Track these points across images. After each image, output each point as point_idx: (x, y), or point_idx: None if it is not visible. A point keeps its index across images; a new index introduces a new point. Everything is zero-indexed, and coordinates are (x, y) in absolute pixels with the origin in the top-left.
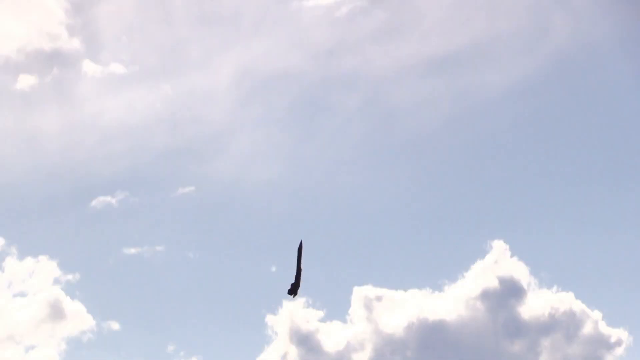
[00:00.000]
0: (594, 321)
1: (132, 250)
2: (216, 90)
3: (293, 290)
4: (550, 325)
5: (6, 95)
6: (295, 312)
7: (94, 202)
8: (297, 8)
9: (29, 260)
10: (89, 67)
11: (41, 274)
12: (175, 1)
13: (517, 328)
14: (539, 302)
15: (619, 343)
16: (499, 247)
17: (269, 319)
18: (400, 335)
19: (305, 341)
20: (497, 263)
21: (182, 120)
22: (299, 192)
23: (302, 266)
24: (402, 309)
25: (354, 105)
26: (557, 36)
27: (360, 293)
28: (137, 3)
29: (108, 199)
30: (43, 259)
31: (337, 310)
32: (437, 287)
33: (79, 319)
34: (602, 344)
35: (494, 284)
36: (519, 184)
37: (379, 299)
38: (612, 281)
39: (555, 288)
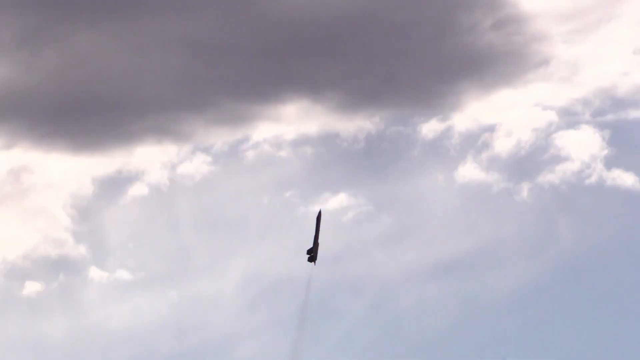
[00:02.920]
0: None
1: None
2: (222, 295)
3: (312, 258)
4: None
5: (12, 302)
6: None
7: None
8: (303, 214)
9: None
10: (95, 273)
11: None
12: (181, 208)
13: None
14: None
15: None
16: None
17: None
18: None
19: None
20: None
21: (188, 325)
22: None
23: None
24: None
25: (360, 310)
26: (563, 240)
27: None
28: (143, 210)
29: None
30: None
31: None
32: None
33: None
34: None
35: None
36: None
37: None
38: None
39: None
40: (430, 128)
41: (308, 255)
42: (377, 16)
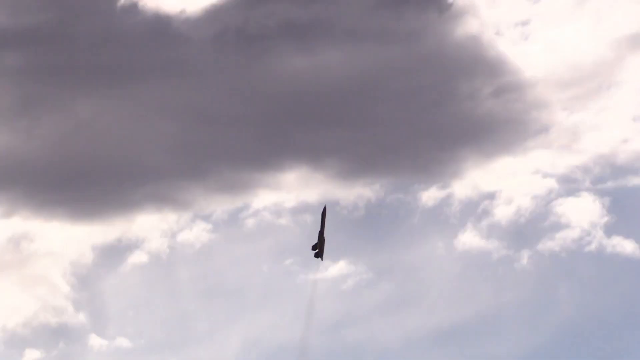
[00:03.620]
0: None
1: None
2: None
3: (318, 254)
4: None
5: None
6: None
7: None
8: (302, 281)
9: None
10: (95, 341)
11: None
12: (181, 275)
13: None
14: None
15: None
16: None
17: None
18: None
19: None
20: None
21: None
22: None
23: None
24: None
25: None
26: (563, 307)
27: None
28: (143, 278)
29: None
30: None
31: None
32: None
33: None
34: None
35: None
36: None
37: None
38: None
39: None
40: (430, 196)
41: (314, 252)
42: (377, 84)
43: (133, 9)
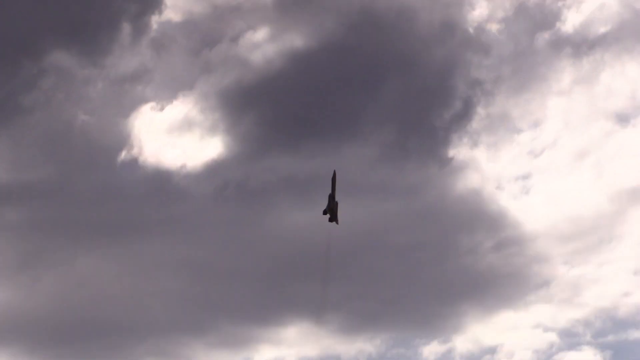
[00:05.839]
0: None
1: None
2: None
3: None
4: None
5: None
6: None
7: None
8: None
9: None
10: None
11: None
12: None
13: None
14: None
15: None
16: None
17: None
18: None
19: None
20: None
21: None
22: None
23: None
24: None
25: None
26: None
27: None
28: None
29: None
30: None
31: None
32: None
33: None
34: None
35: None
36: None
37: None
38: None
39: None
40: (431, 350)
41: (327, 216)
42: (377, 238)
43: (133, 164)
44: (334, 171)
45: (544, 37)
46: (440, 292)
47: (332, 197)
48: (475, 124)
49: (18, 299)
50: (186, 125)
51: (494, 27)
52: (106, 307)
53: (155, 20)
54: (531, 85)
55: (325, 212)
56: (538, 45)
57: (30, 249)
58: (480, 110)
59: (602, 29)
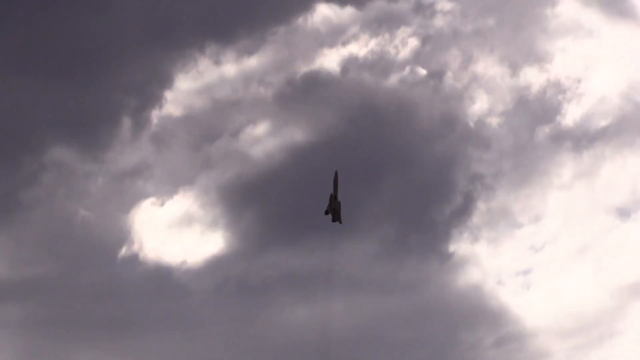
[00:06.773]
0: None
1: None
2: None
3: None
4: None
5: None
6: None
7: None
8: None
9: None
10: None
11: None
12: None
13: None
14: None
15: None
16: None
17: None
18: None
19: None
20: None
21: None
22: None
23: None
24: None
25: None
26: None
27: None
28: None
29: None
30: None
31: None
32: None
33: None
34: None
35: None
36: None
37: None
38: None
39: None
40: None
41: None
42: (378, 334)
43: (134, 260)
44: (336, 172)
45: (544, 130)
46: None
47: (333, 197)
48: (475, 218)
49: None
50: (186, 220)
51: (494, 121)
52: None
53: (155, 115)
54: (532, 180)
55: (327, 213)
56: (538, 139)
57: (31, 345)
58: (481, 205)
59: (603, 123)
